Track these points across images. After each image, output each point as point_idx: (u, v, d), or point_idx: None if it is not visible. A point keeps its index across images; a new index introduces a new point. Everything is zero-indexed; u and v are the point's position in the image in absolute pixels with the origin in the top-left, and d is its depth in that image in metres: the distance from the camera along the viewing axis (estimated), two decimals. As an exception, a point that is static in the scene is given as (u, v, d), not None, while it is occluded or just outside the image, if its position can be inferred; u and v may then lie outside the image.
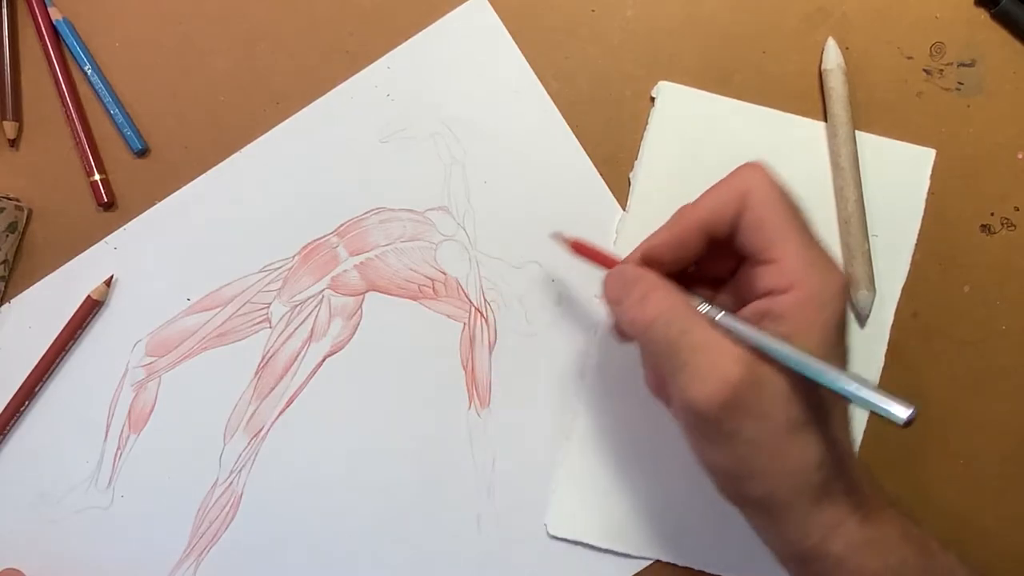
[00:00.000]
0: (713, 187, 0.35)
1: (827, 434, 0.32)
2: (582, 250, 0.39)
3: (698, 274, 0.37)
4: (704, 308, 0.33)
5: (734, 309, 0.33)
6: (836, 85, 0.43)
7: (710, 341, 0.31)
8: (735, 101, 0.44)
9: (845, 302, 0.32)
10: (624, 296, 0.35)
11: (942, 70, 0.44)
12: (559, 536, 0.42)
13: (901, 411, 0.28)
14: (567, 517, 0.42)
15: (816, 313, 0.31)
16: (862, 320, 0.43)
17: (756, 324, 0.32)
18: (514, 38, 0.44)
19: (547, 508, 0.42)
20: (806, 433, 0.31)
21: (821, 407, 0.32)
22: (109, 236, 0.43)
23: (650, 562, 0.42)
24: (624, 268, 0.36)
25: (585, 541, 0.42)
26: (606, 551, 0.42)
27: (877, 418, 0.42)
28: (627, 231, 0.43)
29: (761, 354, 0.31)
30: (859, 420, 0.42)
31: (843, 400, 0.31)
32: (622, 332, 0.39)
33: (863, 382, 0.29)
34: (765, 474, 0.32)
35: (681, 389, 0.32)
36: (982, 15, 0.44)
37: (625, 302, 0.34)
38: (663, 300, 0.33)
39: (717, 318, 0.33)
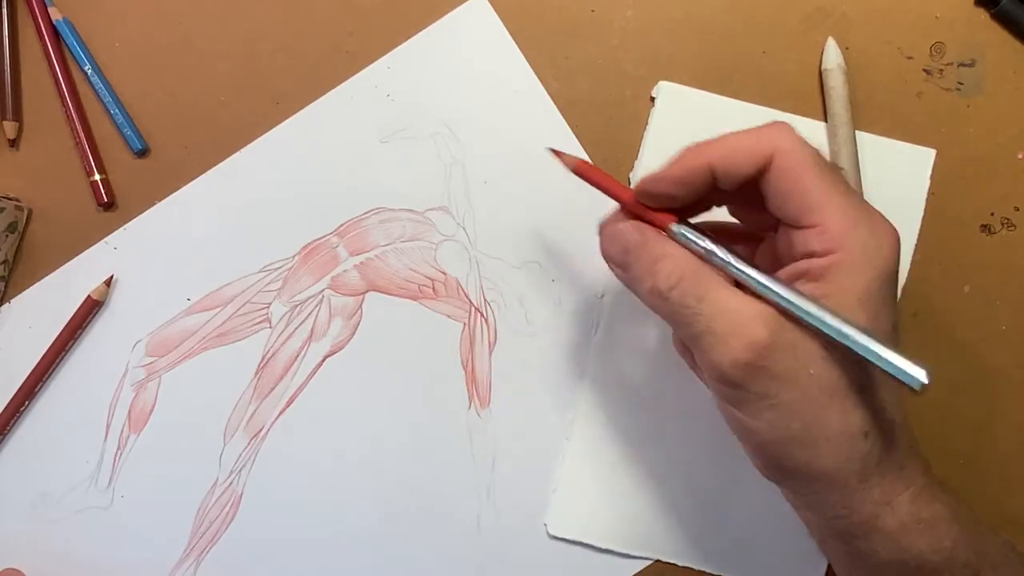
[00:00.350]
0: (733, 134, 0.32)
1: (872, 401, 0.30)
2: (585, 172, 0.36)
3: (736, 229, 0.36)
4: (692, 236, 0.31)
5: (772, 269, 0.31)
6: (836, 85, 0.43)
7: (731, 302, 0.30)
8: (735, 101, 0.44)
9: (895, 258, 0.30)
10: (630, 263, 0.32)
11: (942, 70, 0.44)
12: (559, 536, 0.42)
13: (918, 373, 0.26)
14: (567, 517, 0.42)
15: (859, 272, 0.29)
16: (862, 320, 0.43)
17: (795, 282, 0.30)
18: (514, 38, 0.44)
19: (547, 508, 0.42)
20: (847, 398, 0.29)
21: (864, 371, 0.30)
22: (109, 236, 0.43)
23: (650, 562, 0.42)
24: (624, 231, 0.33)
25: (585, 541, 0.42)
26: (606, 551, 0.42)
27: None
28: (627, 231, 0.43)
29: (788, 314, 0.29)
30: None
31: None
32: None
33: (881, 341, 0.27)
34: (805, 441, 0.30)
35: (705, 354, 0.30)
36: (982, 15, 0.44)
37: (633, 270, 0.32)
38: (675, 269, 0.31)
39: (756, 278, 0.30)
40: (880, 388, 0.30)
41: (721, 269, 0.31)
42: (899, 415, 0.31)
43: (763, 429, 0.30)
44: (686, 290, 0.30)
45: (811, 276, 0.30)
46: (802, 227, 0.30)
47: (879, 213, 0.31)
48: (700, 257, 0.31)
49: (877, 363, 0.27)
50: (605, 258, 0.34)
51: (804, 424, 0.29)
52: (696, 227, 0.32)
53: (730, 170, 0.31)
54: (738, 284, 0.31)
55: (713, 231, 0.32)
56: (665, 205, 0.33)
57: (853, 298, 0.29)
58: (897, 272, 0.30)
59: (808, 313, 0.29)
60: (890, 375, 0.27)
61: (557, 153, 0.37)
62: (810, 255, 0.30)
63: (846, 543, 0.32)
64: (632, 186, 0.35)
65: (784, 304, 0.29)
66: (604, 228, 0.34)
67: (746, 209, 0.34)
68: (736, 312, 0.29)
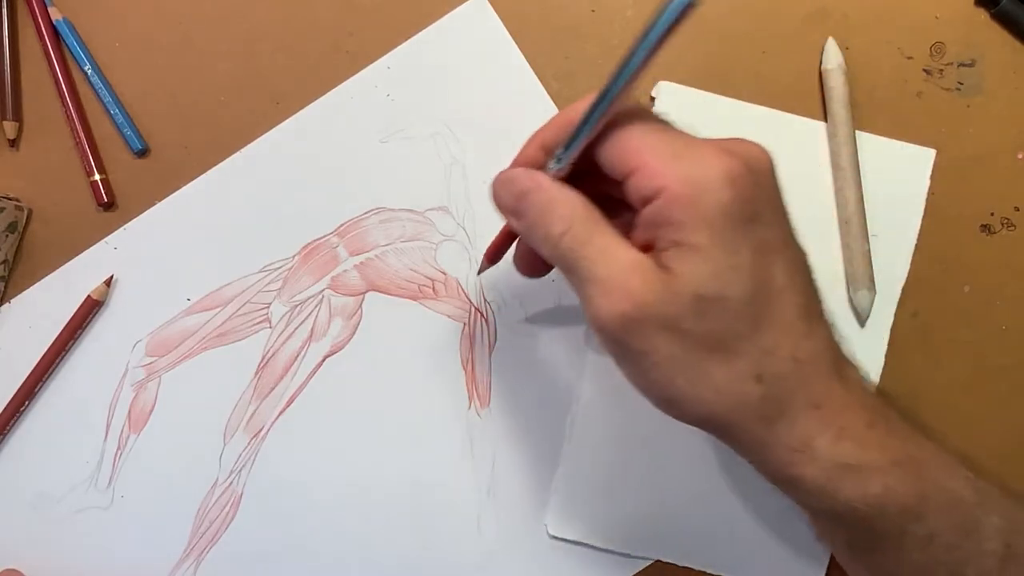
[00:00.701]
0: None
1: (760, 343, 0.29)
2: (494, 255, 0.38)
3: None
4: (553, 166, 0.31)
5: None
6: (836, 85, 0.43)
7: (615, 251, 0.29)
8: (735, 101, 0.44)
9: (737, 186, 0.28)
10: (524, 209, 0.31)
11: (942, 70, 0.44)
12: (559, 536, 0.42)
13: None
14: (567, 517, 0.42)
15: (694, 207, 0.28)
16: (862, 320, 0.43)
17: (651, 237, 0.29)
18: (514, 38, 0.44)
19: (547, 508, 0.42)
20: (729, 346, 0.28)
21: (746, 317, 0.29)
22: (109, 236, 0.43)
23: (650, 562, 0.42)
24: (518, 175, 0.32)
25: (585, 541, 0.42)
26: (606, 551, 0.42)
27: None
28: (627, 231, 0.43)
29: (669, 267, 0.28)
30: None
31: (789, 300, 0.29)
32: (526, 260, 0.36)
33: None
34: (693, 395, 0.29)
35: (586, 306, 0.29)
36: (982, 15, 0.44)
37: (527, 216, 0.31)
38: (567, 214, 0.30)
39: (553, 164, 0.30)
40: (768, 329, 0.29)
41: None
42: (814, 350, 0.30)
43: (648, 387, 0.30)
44: (576, 234, 0.29)
45: (656, 223, 0.29)
46: (629, 176, 0.29)
47: (707, 143, 0.29)
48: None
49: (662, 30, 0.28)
50: (499, 207, 0.33)
51: (688, 379, 0.29)
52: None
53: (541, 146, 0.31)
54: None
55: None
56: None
57: (705, 231, 0.28)
58: (741, 190, 0.28)
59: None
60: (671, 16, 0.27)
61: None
62: (646, 201, 0.29)
63: (787, 493, 0.31)
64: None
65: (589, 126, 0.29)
66: (497, 176, 0.33)
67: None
68: (617, 260, 0.29)
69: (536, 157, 0.32)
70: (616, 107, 0.29)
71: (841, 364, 0.31)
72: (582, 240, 0.29)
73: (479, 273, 0.42)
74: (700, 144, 0.29)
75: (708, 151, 0.29)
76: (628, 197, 0.30)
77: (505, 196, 0.32)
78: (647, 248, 0.29)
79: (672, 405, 0.30)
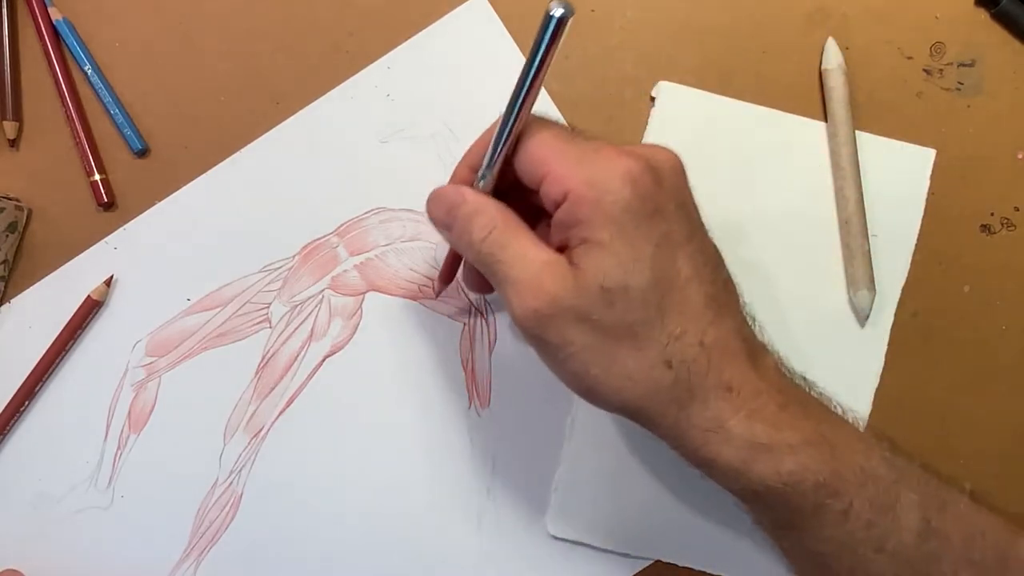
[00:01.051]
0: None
1: (667, 330, 0.30)
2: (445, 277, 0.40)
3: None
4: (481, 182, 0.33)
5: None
6: (836, 85, 0.43)
7: (529, 251, 0.31)
8: (735, 101, 0.44)
9: (638, 185, 0.30)
10: (451, 221, 0.33)
11: (942, 70, 0.44)
12: (559, 536, 0.42)
13: (556, 11, 0.28)
14: (567, 517, 0.42)
15: (597, 206, 0.30)
16: (862, 320, 0.43)
17: (564, 237, 0.31)
18: (514, 38, 0.44)
19: (547, 508, 0.42)
20: (638, 334, 0.30)
21: (653, 305, 0.30)
22: (109, 236, 0.43)
23: (650, 562, 0.42)
24: (446, 191, 0.34)
25: (585, 541, 0.42)
26: (606, 551, 0.42)
27: (874, 419, 0.43)
28: (627, 231, 0.43)
29: (578, 264, 0.30)
30: (860, 420, 0.42)
31: (695, 290, 0.31)
32: (469, 278, 0.39)
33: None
34: (609, 383, 0.31)
35: (507, 305, 0.31)
36: (982, 15, 0.44)
37: (454, 228, 0.33)
38: (488, 222, 0.32)
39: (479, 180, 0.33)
40: (674, 316, 0.31)
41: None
42: (726, 335, 0.31)
43: (569, 378, 0.32)
44: (495, 240, 0.32)
45: (566, 224, 0.31)
46: (540, 183, 0.31)
47: (614, 148, 0.31)
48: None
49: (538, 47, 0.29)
50: (432, 221, 0.35)
51: (602, 368, 0.31)
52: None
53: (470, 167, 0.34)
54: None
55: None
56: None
57: (608, 228, 0.30)
58: (642, 189, 0.30)
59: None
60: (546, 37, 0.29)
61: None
62: (556, 204, 0.31)
63: (707, 477, 0.32)
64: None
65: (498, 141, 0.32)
66: (430, 193, 0.35)
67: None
68: (531, 261, 0.31)
69: (465, 176, 0.35)
70: (521, 122, 0.32)
71: (755, 350, 0.33)
72: (501, 244, 0.31)
73: (436, 296, 0.43)
74: (604, 148, 0.31)
75: (610, 154, 0.31)
76: (543, 203, 0.32)
77: (436, 210, 0.35)
78: (562, 248, 0.32)
79: (590, 394, 0.32)
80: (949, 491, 0.34)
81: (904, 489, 0.32)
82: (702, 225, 0.33)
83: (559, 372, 0.32)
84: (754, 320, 0.35)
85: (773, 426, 0.31)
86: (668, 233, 0.31)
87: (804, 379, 0.36)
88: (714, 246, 0.33)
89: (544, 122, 0.33)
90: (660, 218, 0.31)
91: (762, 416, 0.31)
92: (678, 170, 0.33)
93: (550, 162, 0.31)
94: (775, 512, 0.33)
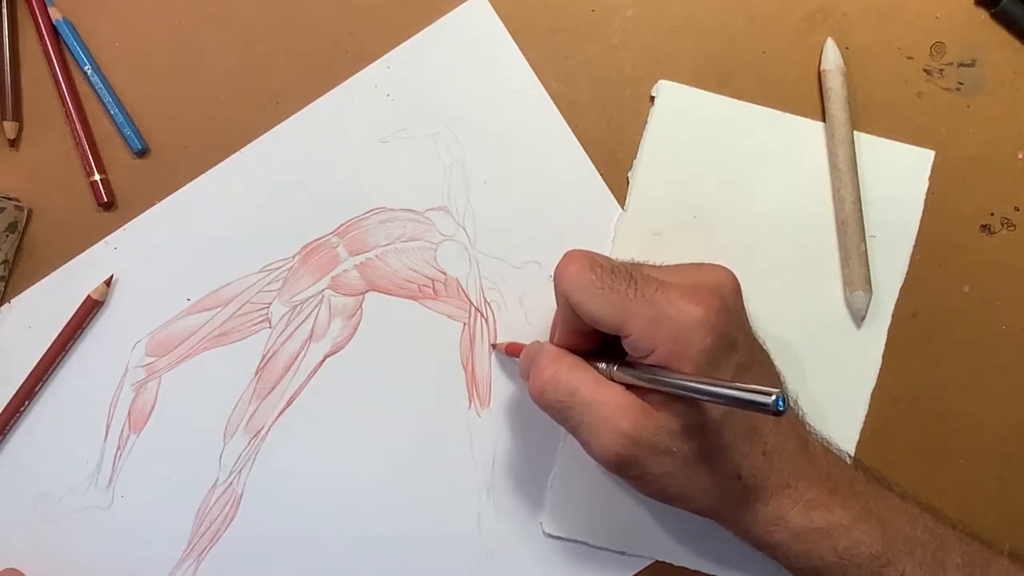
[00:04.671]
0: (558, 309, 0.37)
1: (738, 449, 0.34)
2: (513, 350, 0.41)
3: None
4: (601, 366, 0.35)
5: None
6: (835, 86, 0.43)
7: (598, 397, 0.33)
8: (735, 101, 0.44)
9: (717, 329, 0.33)
10: (527, 371, 0.37)
11: (942, 70, 0.44)
12: (554, 534, 0.42)
13: (766, 398, 0.28)
14: (563, 516, 0.42)
15: (681, 357, 0.32)
16: (858, 321, 0.43)
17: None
18: (514, 38, 0.44)
19: (542, 507, 0.42)
20: (713, 457, 0.34)
21: (721, 433, 0.34)
22: (109, 236, 0.43)
23: (650, 562, 0.42)
24: (528, 346, 0.38)
25: (580, 540, 0.42)
26: (607, 551, 0.42)
27: (874, 419, 0.43)
28: (626, 230, 0.43)
29: (651, 399, 0.33)
30: (855, 421, 0.43)
31: (744, 417, 0.34)
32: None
33: (728, 384, 0.29)
34: (685, 496, 0.35)
35: (585, 446, 0.34)
36: (982, 15, 0.44)
37: (528, 377, 0.36)
38: (550, 365, 0.35)
39: (613, 370, 0.35)
40: (741, 439, 0.34)
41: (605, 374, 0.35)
42: (778, 441, 0.35)
43: (648, 493, 0.35)
44: (558, 385, 0.34)
45: (651, 365, 0.33)
46: (624, 337, 0.34)
47: (677, 291, 0.33)
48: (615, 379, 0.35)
49: (735, 404, 0.29)
50: (521, 376, 0.39)
51: (680, 487, 0.34)
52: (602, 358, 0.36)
53: (577, 322, 0.35)
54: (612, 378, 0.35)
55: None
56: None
57: (689, 368, 0.32)
58: (720, 329, 0.33)
59: (668, 383, 0.32)
60: (750, 407, 0.29)
61: (495, 345, 0.43)
62: (642, 357, 0.33)
63: (761, 551, 0.37)
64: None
65: (648, 383, 0.33)
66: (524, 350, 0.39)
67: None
68: (603, 405, 0.33)
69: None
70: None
71: (806, 442, 0.37)
72: (569, 391, 0.34)
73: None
74: (672, 297, 0.33)
75: (683, 305, 0.33)
76: (626, 348, 0.34)
77: (521, 366, 0.39)
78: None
79: (668, 503, 0.36)
80: (990, 553, 0.38)
81: (949, 553, 0.36)
82: (756, 337, 0.37)
83: (639, 491, 0.36)
84: (796, 402, 0.40)
85: (827, 510, 0.35)
86: (741, 362, 0.34)
87: (846, 454, 0.41)
88: (765, 352, 0.37)
89: (588, 280, 0.34)
90: (734, 351, 0.34)
91: (816, 504, 0.35)
92: (737, 292, 0.36)
93: (627, 324, 0.33)
94: None
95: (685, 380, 0.31)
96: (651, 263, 0.38)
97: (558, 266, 0.35)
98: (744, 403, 0.28)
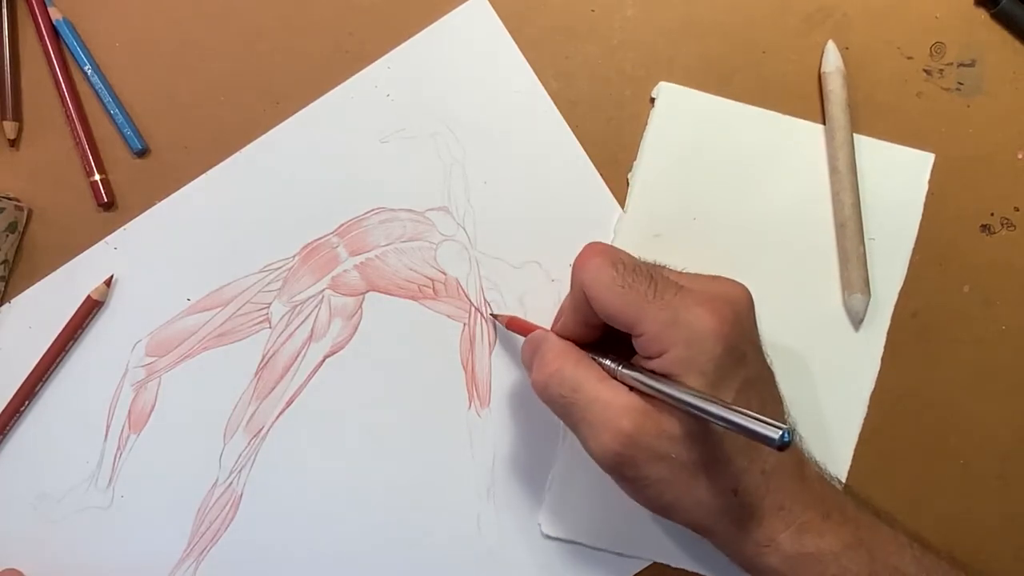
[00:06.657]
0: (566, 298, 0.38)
1: (736, 463, 0.34)
2: (515, 325, 0.41)
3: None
4: (607, 363, 0.35)
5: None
6: (835, 88, 0.43)
7: (601, 395, 0.33)
8: (735, 102, 0.44)
9: (728, 339, 0.33)
10: (530, 360, 0.37)
11: (942, 70, 0.44)
12: (552, 535, 0.42)
13: (773, 433, 0.27)
14: (561, 516, 0.42)
15: (691, 363, 0.32)
16: (855, 324, 0.42)
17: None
18: (514, 38, 0.44)
19: (541, 508, 0.42)
20: (711, 469, 0.33)
21: (722, 444, 0.33)
22: (109, 236, 0.43)
23: (648, 564, 0.42)
24: (532, 334, 0.38)
25: (578, 540, 0.42)
26: (605, 552, 0.42)
27: (874, 419, 0.43)
28: (625, 231, 0.43)
29: (653, 402, 0.33)
30: (854, 423, 0.43)
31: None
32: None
33: (736, 410, 0.29)
34: (680, 507, 0.34)
35: (584, 443, 0.34)
36: (982, 15, 0.44)
37: (531, 367, 0.36)
38: (556, 359, 0.35)
39: (619, 369, 0.34)
40: (741, 454, 0.34)
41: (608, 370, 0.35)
42: (776, 463, 0.35)
43: (645, 502, 0.35)
44: (563, 380, 0.34)
45: (658, 368, 0.33)
46: (635, 337, 0.34)
47: (699, 297, 0.34)
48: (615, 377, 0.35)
49: (739, 431, 0.29)
50: (523, 363, 0.39)
51: (676, 496, 0.34)
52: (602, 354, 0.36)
53: (588, 314, 0.35)
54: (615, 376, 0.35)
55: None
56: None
57: (694, 378, 0.32)
58: (731, 341, 0.33)
59: (675, 397, 0.31)
60: (754, 437, 0.28)
61: (496, 316, 0.42)
62: (651, 358, 0.34)
63: (750, 572, 0.36)
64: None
65: (653, 391, 0.33)
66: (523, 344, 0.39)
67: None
68: (606, 404, 0.33)
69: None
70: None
71: (802, 464, 0.37)
72: (572, 387, 0.34)
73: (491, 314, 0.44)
74: (688, 303, 0.33)
75: (698, 312, 0.33)
76: (636, 348, 0.34)
77: (524, 353, 0.39)
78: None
79: (660, 512, 0.35)
80: None
81: None
82: (764, 356, 0.37)
83: (633, 496, 0.35)
84: (795, 431, 0.38)
85: (819, 535, 0.35)
86: (747, 377, 0.34)
87: (837, 480, 0.41)
88: (771, 372, 0.37)
89: (609, 276, 0.34)
90: (742, 365, 0.34)
91: (808, 527, 0.35)
92: (752, 308, 0.36)
93: (643, 323, 0.33)
94: None
95: (693, 397, 0.31)
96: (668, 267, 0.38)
97: (579, 257, 0.35)
98: (748, 432, 0.28)
